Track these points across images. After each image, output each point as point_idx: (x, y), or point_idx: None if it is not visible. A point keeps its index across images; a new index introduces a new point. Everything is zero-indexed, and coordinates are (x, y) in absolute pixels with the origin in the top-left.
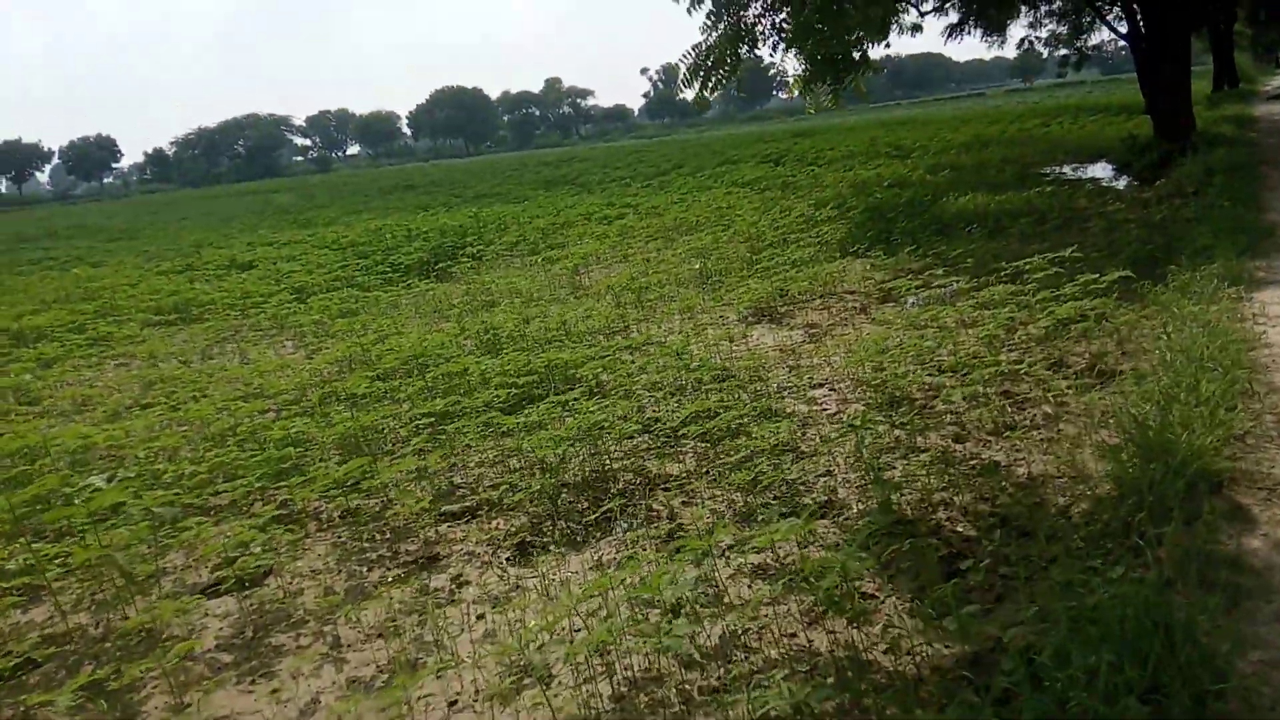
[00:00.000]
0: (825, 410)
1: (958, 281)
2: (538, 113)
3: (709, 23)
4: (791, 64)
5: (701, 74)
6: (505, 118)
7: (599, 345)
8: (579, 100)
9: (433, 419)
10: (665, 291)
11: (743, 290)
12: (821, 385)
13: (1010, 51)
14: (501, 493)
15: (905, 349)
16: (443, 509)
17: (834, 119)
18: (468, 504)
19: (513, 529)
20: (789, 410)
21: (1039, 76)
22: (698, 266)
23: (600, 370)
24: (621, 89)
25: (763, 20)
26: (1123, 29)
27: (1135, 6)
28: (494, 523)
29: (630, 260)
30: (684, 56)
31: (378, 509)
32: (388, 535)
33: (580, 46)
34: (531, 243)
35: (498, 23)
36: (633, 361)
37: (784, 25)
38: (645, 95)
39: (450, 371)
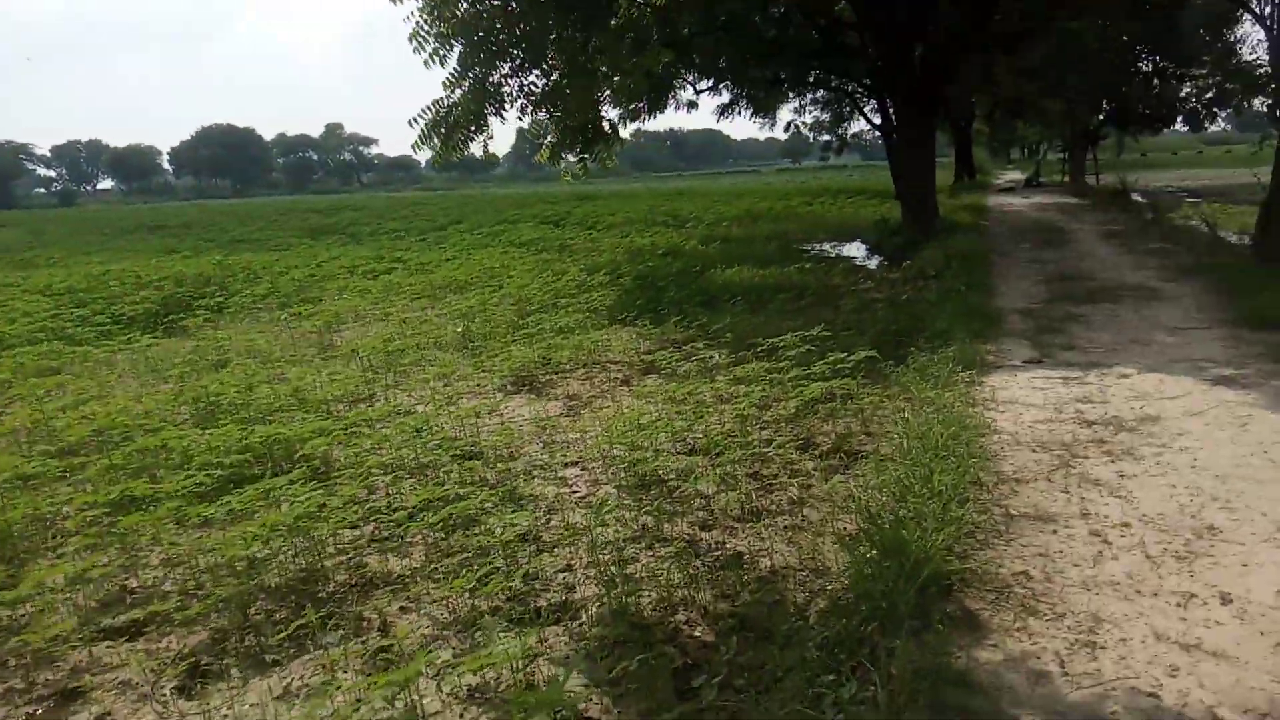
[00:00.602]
0: (575, 493)
1: (716, 356)
2: (316, 157)
3: (452, 79)
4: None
5: (442, 132)
6: (280, 160)
7: (336, 416)
8: (361, 148)
9: (110, 506)
10: (423, 355)
11: (504, 357)
12: (575, 464)
13: (781, 133)
14: (179, 602)
15: (660, 426)
16: (102, 624)
17: (617, 185)
18: (135, 616)
19: (186, 649)
20: (536, 493)
21: (806, 158)
22: (460, 329)
23: (330, 446)
24: (409, 139)
25: (510, 81)
26: (877, 120)
27: (886, 103)
28: (165, 641)
29: (390, 320)
30: (421, 113)
31: (21, 624)
32: (25, 659)
33: (367, 94)
34: (284, 296)
35: (280, 65)
36: (370, 436)
37: (532, 88)
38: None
39: (147, 447)
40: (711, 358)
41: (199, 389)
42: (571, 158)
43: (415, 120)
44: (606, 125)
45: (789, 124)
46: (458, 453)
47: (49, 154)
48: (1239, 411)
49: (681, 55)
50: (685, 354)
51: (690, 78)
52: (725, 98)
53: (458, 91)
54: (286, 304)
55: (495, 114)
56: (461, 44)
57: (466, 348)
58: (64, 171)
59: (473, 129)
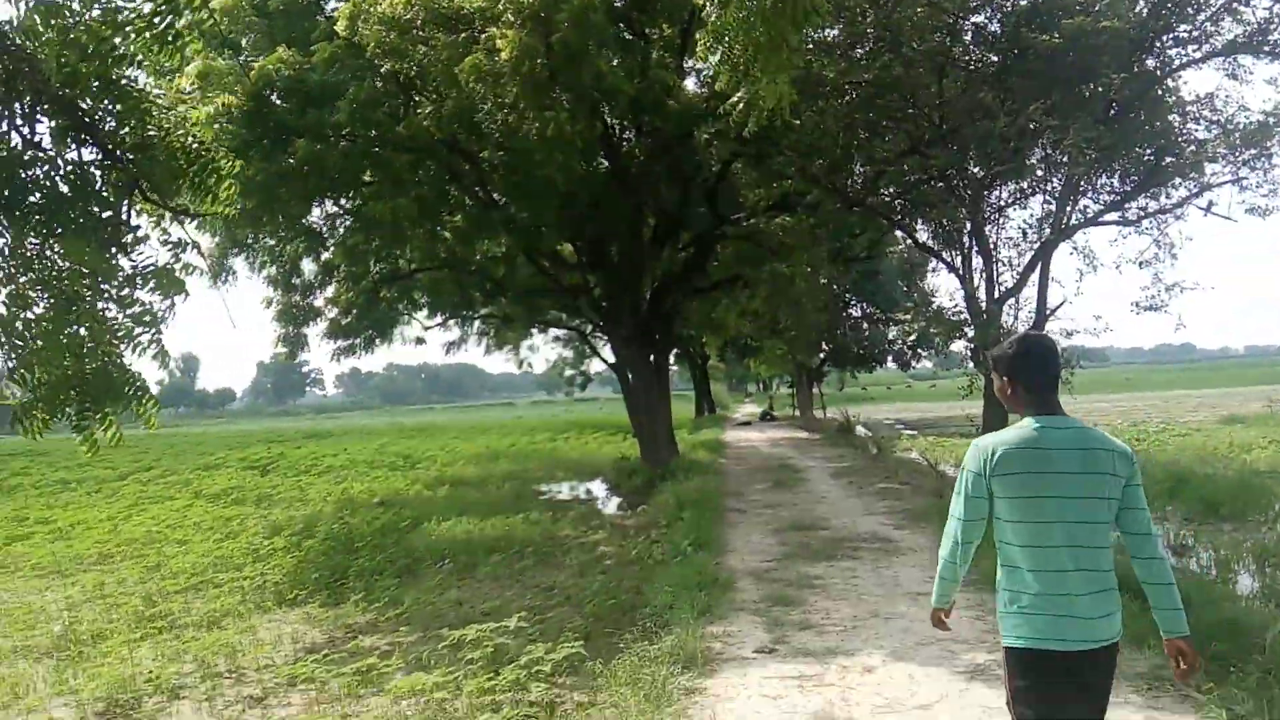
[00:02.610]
0: None
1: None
2: None
3: None
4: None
5: None
6: None
7: None
8: None
9: None
10: None
11: (105, 668)
12: None
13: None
14: None
15: None
16: None
17: (363, 419)
18: None
19: None
20: None
21: (560, 390)
22: (58, 629)
23: None
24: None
25: None
26: (610, 358)
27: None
28: None
29: None
30: None
31: None
32: None
33: None
34: None
35: None
36: None
37: None
38: (158, 382)
39: None
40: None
41: None
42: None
43: None
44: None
45: (520, 361)
46: None
47: None
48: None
49: (404, 291)
50: (350, 650)
51: (417, 314)
52: (454, 334)
53: None
54: None
55: None
56: None
57: (63, 654)
58: None
59: None
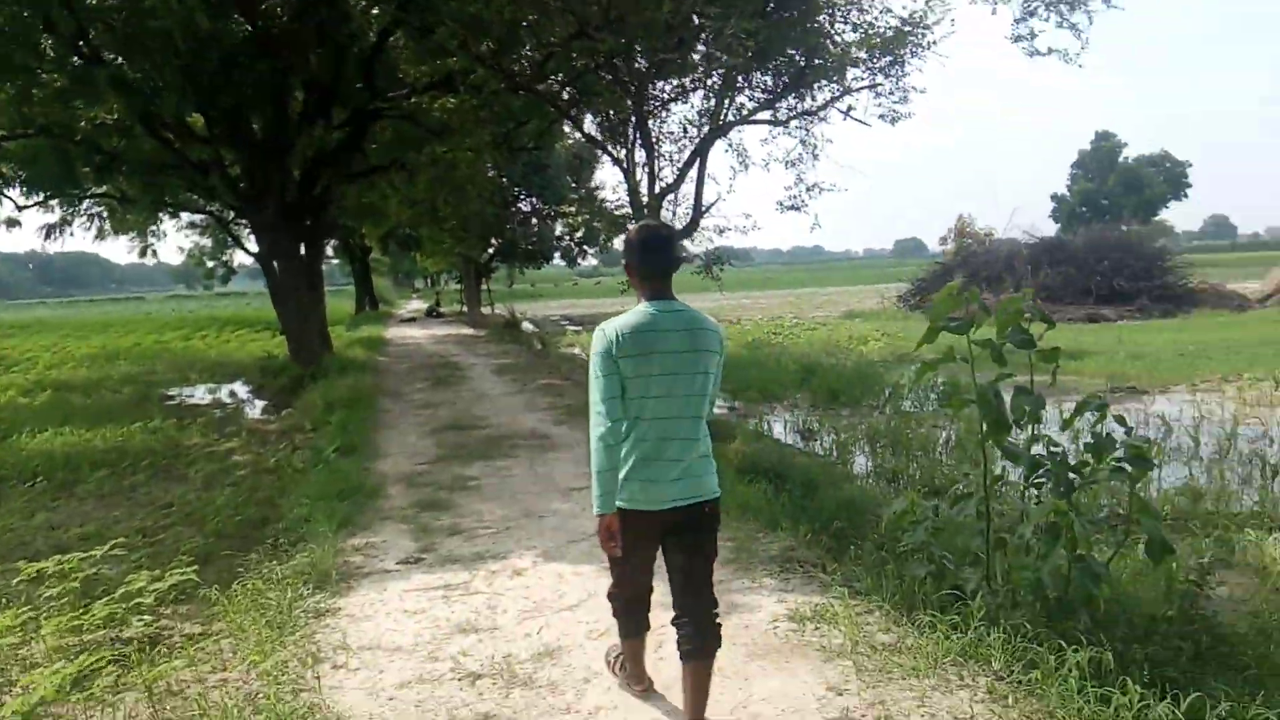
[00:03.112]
0: None
1: None
2: None
3: None
4: None
5: None
6: None
7: None
8: None
9: None
10: None
11: None
12: None
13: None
14: None
15: None
16: None
17: None
18: None
19: None
20: None
21: (200, 284)
22: None
23: None
24: None
25: None
26: (255, 248)
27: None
28: None
29: None
30: None
31: None
32: None
33: None
34: None
35: None
36: None
37: None
38: None
39: None
40: None
41: None
42: None
43: None
44: None
45: (144, 249)
46: None
47: None
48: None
49: None
50: None
51: (7, 191)
52: (54, 216)
53: None
54: None
55: None
56: None
57: None
58: None
59: None
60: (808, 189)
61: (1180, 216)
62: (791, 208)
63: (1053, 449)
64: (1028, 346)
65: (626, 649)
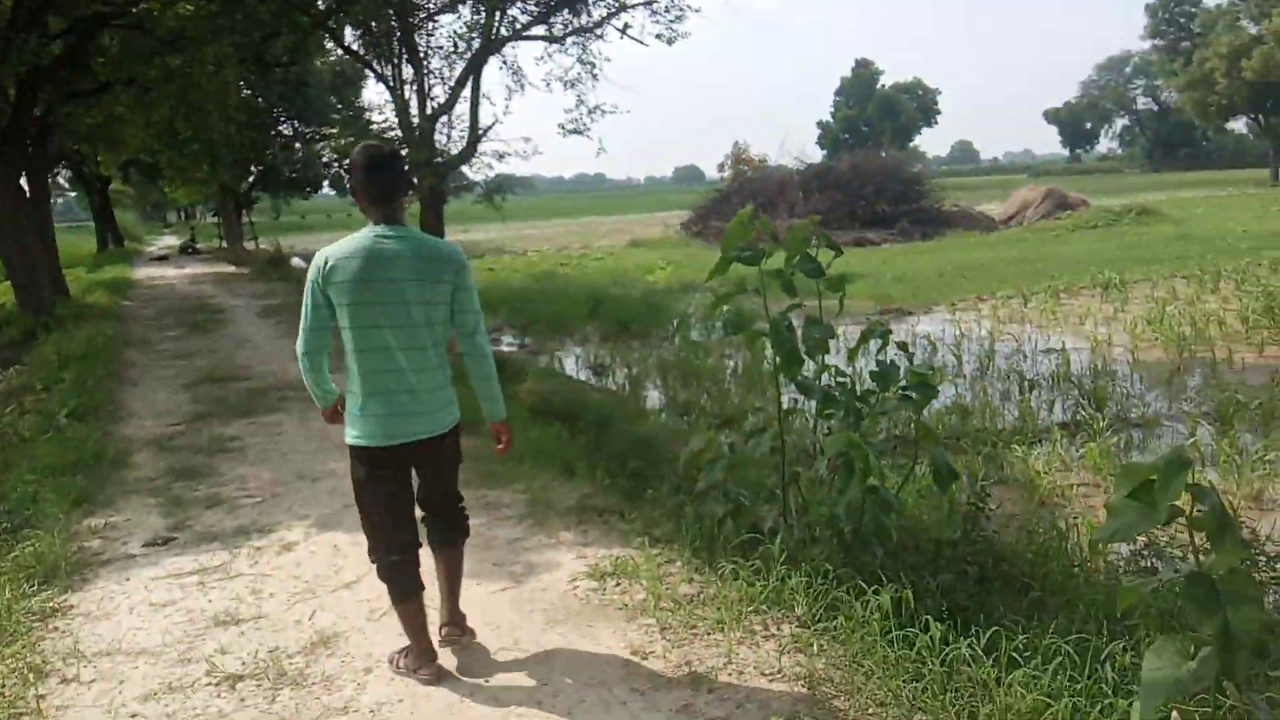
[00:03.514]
0: None
1: None
2: None
3: None
4: None
5: None
6: None
7: None
8: None
9: None
10: None
11: None
12: None
13: None
14: None
15: None
16: None
17: None
18: None
19: None
20: None
21: None
22: None
23: None
24: None
25: None
26: None
27: None
28: None
29: None
30: None
31: None
32: None
33: None
34: None
35: None
36: None
37: None
38: None
39: None
40: None
41: None
42: None
43: None
44: None
45: None
46: None
47: None
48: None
49: None
50: None
51: None
52: None
53: None
54: None
55: None
56: None
57: None
58: None
59: None
60: (589, 111)
61: (931, 142)
62: (574, 131)
63: (840, 378)
64: (817, 275)
65: (401, 616)
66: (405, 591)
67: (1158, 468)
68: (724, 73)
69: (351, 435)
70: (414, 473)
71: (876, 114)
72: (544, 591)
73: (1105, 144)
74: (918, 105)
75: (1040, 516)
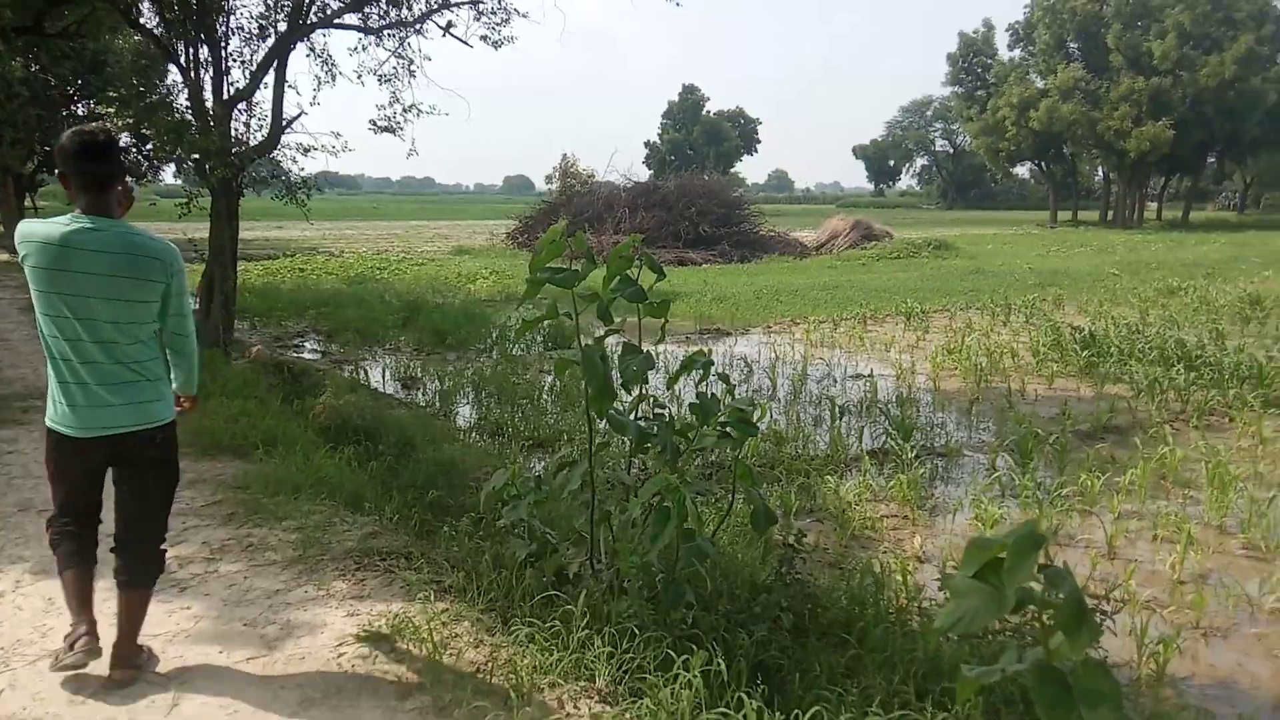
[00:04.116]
0: None
1: None
2: None
3: None
4: None
5: None
6: None
7: None
8: None
9: None
10: None
11: None
12: None
13: None
14: None
15: None
16: None
17: None
18: None
19: None
20: None
21: None
22: None
23: None
24: None
25: None
26: None
27: None
28: None
29: None
30: None
31: None
32: None
33: None
34: None
35: None
36: None
37: None
38: None
39: None
40: None
41: None
42: None
43: None
44: None
45: None
46: None
47: None
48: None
49: None
50: None
51: None
52: None
53: None
54: None
55: None
56: None
57: None
58: None
59: None
60: (405, 110)
61: (750, 169)
62: (385, 129)
63: (658, 410)
64: (639, 299)
65: (65, 584)
66: (71, 558)
67: (1007, 545)
68: (557, 87)
69: (49, 417)
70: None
71: (701, 138)
72: (302, 661)
73: (906, 180)
74: (739, 133)
75: (853, 554)
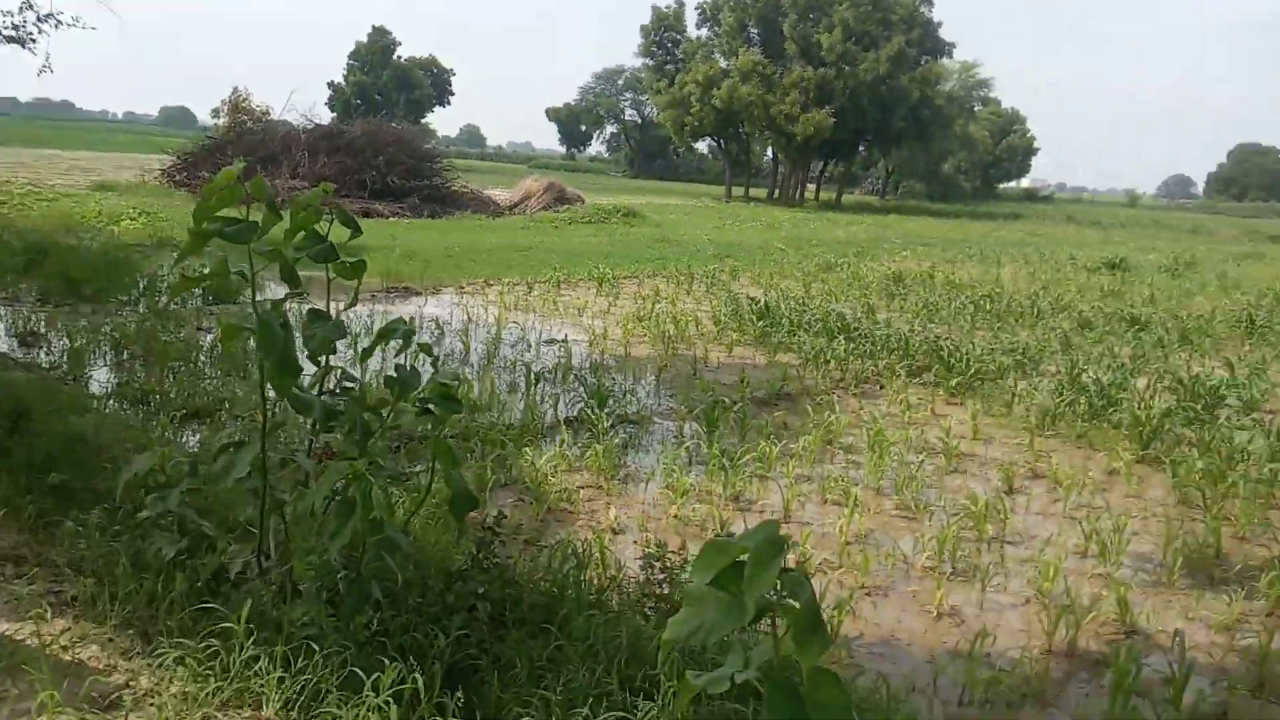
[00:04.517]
0: None
1: None
2: None
3: None
4: None
5: None
6: None
7: None
8: None
9: None
10: None
11: None
12: None
13: None
14: None
15: None
16: None
17: None
18: None
19: None
20: None
21: None
22: None
23: None
24: None
25: None
26: None
27: None
28: None
29: None
30: None
31: None
32: None
33: None
34: None
35: None
36: None
37: None
38: None
39: None
40: None
41: None
42: None
43: None
44: None
45: None
46: None
47: None
48: None
49: None
50: None
51: None
52: None
53: None
54: None
55: None
56: None
57: None
58: None
59: None
60: (40, 18)
61: (442, 121)
62: (14, 40)
63: (348, 384)
64: (330, 259)
65: None
66: None
67: (748, 549)
68: (230, 10)
69: None
70: None
71: (391, 84)
72: None
73: (596, 146)
74: (432, 82)
75: (551, 530)
